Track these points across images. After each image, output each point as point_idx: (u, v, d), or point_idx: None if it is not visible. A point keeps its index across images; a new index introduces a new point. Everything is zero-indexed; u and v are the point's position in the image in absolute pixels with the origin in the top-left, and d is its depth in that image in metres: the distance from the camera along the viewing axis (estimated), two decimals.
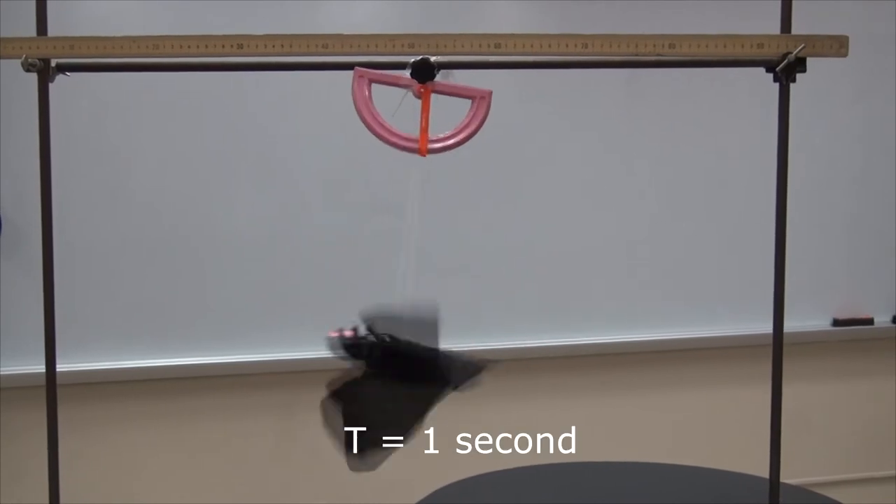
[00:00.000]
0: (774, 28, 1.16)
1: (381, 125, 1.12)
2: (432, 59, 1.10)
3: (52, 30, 1.15)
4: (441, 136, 1.13)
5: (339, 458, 2.48)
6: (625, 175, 2.57)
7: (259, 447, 2.43)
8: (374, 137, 1.13)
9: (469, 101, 1.14)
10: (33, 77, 1.13)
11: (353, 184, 2.38)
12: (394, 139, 1.13)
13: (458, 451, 2.47)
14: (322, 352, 2.50)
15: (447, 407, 2.56)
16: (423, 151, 1.13)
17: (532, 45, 1.09)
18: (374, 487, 2.48)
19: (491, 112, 1.12)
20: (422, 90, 1.11)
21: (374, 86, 1.12)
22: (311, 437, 2.46)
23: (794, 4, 1.18)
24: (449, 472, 1.76)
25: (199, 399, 2.38)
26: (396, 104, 1.11)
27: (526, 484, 1.74)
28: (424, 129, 1.11)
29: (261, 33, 1.11)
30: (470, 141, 1.14)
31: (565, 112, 2.52)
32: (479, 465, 1.81)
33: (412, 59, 1.10)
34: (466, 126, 1.13)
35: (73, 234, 2.22)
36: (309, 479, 2.46)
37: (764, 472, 1.30)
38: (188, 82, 2.26)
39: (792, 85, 1.16)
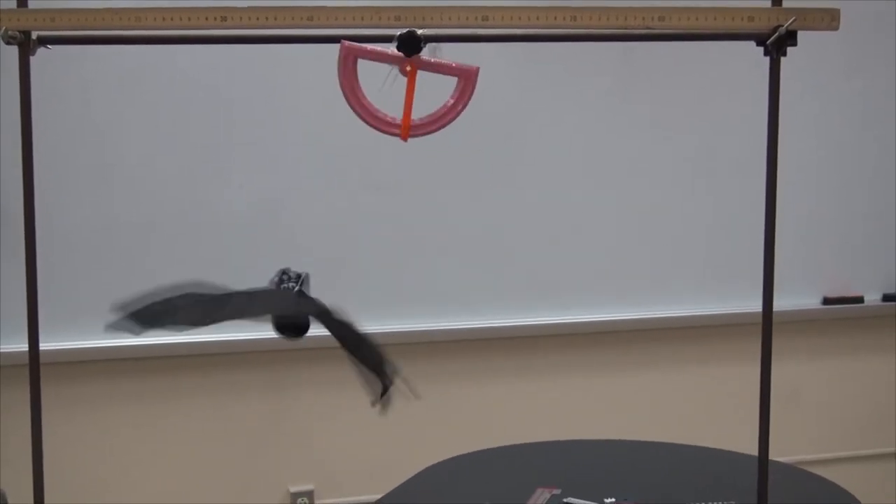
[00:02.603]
0: (765, 1, 1.15)
1: (365, 108, 1.11)
2: (419, 31, 1.08)
3: (34, 3, 1.14)
4: (425, 118, 1.11)
5: (328, 436, 2.49)
6: (614, 154, 2.56)
7: (247, 425, 2.42)
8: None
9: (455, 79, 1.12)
10: (15, 52, 1.12)
11: (344, 162, 2.37)
12: (376, 123, 1.11)
13: (447, 432, 2.47)
14: (312, 331, 2.51)
15: (432, 389, 2.56)
16: (404, 136, 1.11)
17: (520, 18, 1.08)
18: (360, 468, 2.48)
19: (481, 87, 1.11)
20: (408, 69, 1.09)
21: (361, 62, 1.11)
22: (299, 415, 2.46)
23: None
24: (435, 453, 1.76)
25: (187, 378, 2.37)
26: (382, 81, 1.10)
27: (512, 462, 1.74)
28: (407, 114, 1.10)
29: (244, 5, 1.09)
30: (460, 115, 1.12)
31: (556, 88, 2.51)
32: (467, 445, 1.80)
33: (398, 32, 1.09)
34: (451, 108, 1.11)
35: (58, 213, 2.21)
36: (297, 457, 2.46)
37: (754, 450, 1.29)
38: (175, 59, 2.25)
39: (784, 59, 1.15)
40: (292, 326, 1.22)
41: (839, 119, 2.72)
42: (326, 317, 1.19)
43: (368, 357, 1.21)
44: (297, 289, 1.22)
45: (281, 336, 1.23)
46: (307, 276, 1.25)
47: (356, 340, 1.22)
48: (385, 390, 1.20)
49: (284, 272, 1.24)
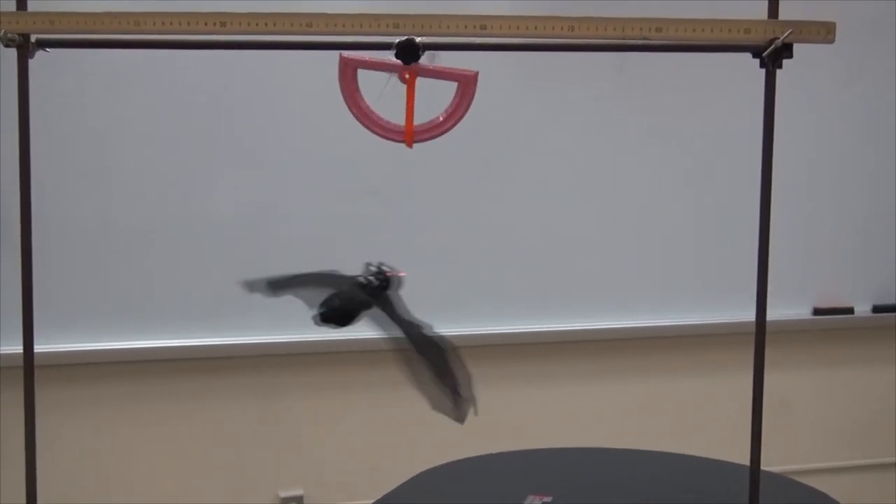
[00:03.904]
0: (762, 13, 1.16)
1: (368, 116, 1.11)
2: (417, 39, 1.09)
3: (33, 5, 1.14)
4: (427, 124, 1.12)
5: (319, 441, 2.49)
6: (610, 163, 2.57)
7: (237, 429, 2.42)
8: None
9: (454, 84, 1.13)
10: (12, 54, 1.12)
11: (336, 166, 2.37)
12: (380, 131, 1.12)
13: (438, 437, 2.47)
14: (303, 335, 2.51)
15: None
16: (409, 143, 1.12)
17: (518, 27, 1.08)
18: (351, 473, 2.48)
19: (478, 95, 1.12)
20: (407, 76, 1.10)
21: (360, 69, 1.11)
22: (289, 419, 2.46)
23: None
24: (426, 459, 1.76)
25: (178, 381, 2.37)
26: (381, 88, 1.11)
27: (505, 468, 1.74)
28: (410, 120, 1.10)
29: (244, 11, 1.09)
30: (461, 120, 1.13)
31: (552, 95, 2.51)
32: (459, 451, 1.80)
33: (397, 40, 1.09)
34: (453, 112, 1.12)
35: (55, 215, 2.20)
36: (287, 461, 2.46)
37: (745, 460, 1.30)
38: (173, 63, 2.25)
39: (779, 71, 1.16)
40: (339, 313, 1.23)
41: (830, 129, 2.73)
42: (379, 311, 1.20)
43: (434, 363, 1.22)
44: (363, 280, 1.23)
45: (323, 323, 1.23)
46: (396, 278, 1.26)
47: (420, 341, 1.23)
48: (455, 401, 1.21)
49: (373, 265, 1.25)
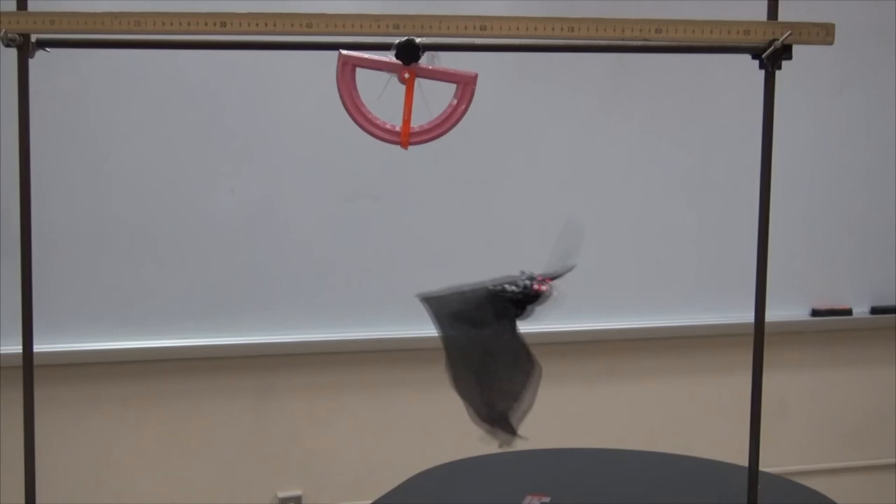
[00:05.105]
0: (761, 14, 1.16)
1: (364, 116, 1.11)
2: (417, 40, 1.09)
3: (33, 5, 1.14)
4: (424, 126, 1.12)
5: (317, 441, 2.49)
6: (609, 164, 2.57)
7: (235, 430, 2.42)
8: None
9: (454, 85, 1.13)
10: (13, 54, 1.12)
11: (333, 167, 2.37)
12: (376, 131, 1.12)
13: (436, 438, 2.47)
14: (302, 335, 2.50)
15: (422, 395, 2.56)
16: (404, 144, 1.12)
17: (518, 28, 1.09)
18: (349, 473, 2.48)
19: (477, 96, 1.12)
20: (406, 76, 1.10)
21: (359, 69, 1.11)
22: (287, 420, 2.46)
23: None
24: (424, 460, 1.76)
25: (176, 382, 2.37)
26: (381, 88, 1.11)
27: (502, 469, 1.74)
28: (407, 121, 1.10)
29: (244, 11, 1.09)
30: (459, 122, 1.13)
31: (548, 97, 2.51)
32: (457, 452, 1.80)
33: (397, 41, 1.09)
34: (451, 114, 1.12)
35: (54, 215, 2.20)
36: (285, 462, 2.46)
37: (743, 461, 1.30)
38: (170, 63, 2.25)
39: (777, 73, 1.16)
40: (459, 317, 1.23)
41: (829, 131, 2.73)
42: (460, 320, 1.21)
43: (498, 389, 1.23)
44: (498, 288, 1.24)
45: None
46: (543, 293, 1.26)
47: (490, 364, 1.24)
48: (503, 429, 1.21)
49: (526, 273, 1.26)
